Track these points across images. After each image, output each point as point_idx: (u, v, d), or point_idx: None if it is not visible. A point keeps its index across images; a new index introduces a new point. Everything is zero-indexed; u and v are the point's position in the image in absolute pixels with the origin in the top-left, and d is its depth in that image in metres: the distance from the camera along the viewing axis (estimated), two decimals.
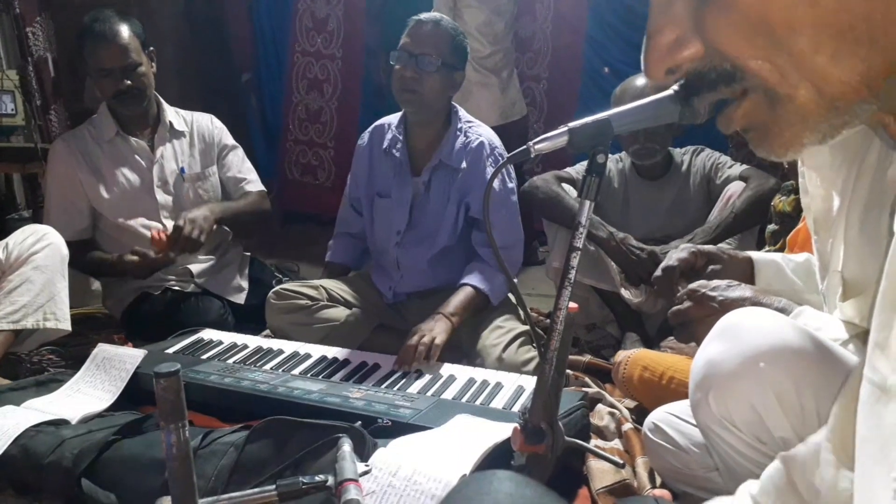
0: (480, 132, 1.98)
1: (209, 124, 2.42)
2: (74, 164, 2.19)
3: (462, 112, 2.02)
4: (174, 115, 2.34)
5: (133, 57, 2.11)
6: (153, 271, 2.17)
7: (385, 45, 1.88)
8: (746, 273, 1.11)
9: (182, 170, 2.31)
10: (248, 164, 2.50)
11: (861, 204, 0.77)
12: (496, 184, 1.94)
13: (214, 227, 2.17)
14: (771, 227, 1.82)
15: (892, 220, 0.52)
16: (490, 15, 3.20)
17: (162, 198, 2.27)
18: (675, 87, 0.88)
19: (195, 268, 2.30)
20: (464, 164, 1.94)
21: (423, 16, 1.90)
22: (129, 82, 2.11)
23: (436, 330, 1.74)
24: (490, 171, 1.93)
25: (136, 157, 2.26)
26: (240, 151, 2.48)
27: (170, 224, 2.24)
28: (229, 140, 2.45)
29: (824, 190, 0.84)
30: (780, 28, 0.42)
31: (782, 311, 0.97)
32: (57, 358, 1.95)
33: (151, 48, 2.22)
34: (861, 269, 0.79)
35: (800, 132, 0.46)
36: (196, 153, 2.36)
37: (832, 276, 0.81)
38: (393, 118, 2.06)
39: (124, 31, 2.11)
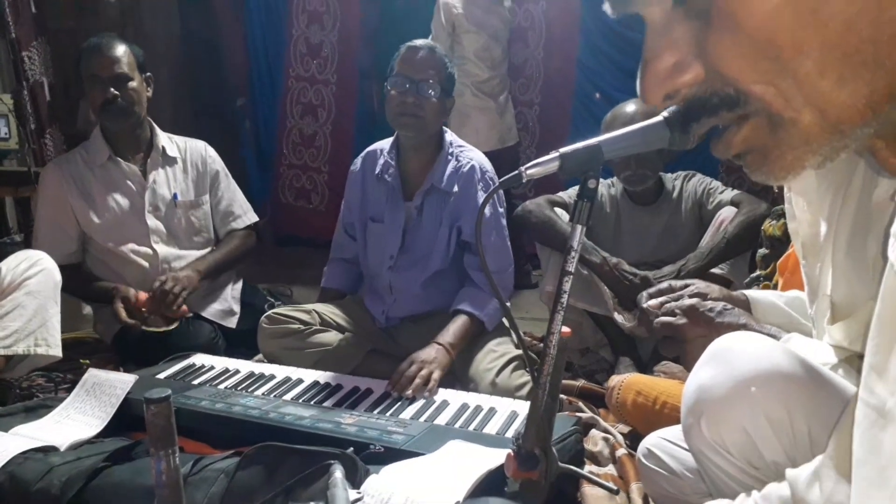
0: (472, 156, 2.00)
1: (203, 152, 2.42)
2: (65, 188, 2.20)
3: (453, 136, 2.04)
4: (167, 141, 2.35)
5: (124, 69, 2.15)
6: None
7: (378, 71, 1.91)
8: (743, 310, 1.11)
9: (175, 196, 2.31)
10: (240, 196, 2.51)
11: (847, 228, 0.78)
12: (487, 209, 1.95)
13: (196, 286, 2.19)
14: (762, 251, 1.84)
15: (885, 244, 0.52)
16: (488, 40, 3.25)
17: (153, 223, 2.27)
18: (666, 113, 0.90)
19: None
20: (455, 188, 1.95)
21: (417, 43, 1.92)
22: (116, 92, 2.13)
23: (434, 363, 1.73)
24: (481, 194, 1.94)
25: (128, 181, 2.26)
26: (231, 182, 2.49)
27: (159, 248, 2.25)
28: (222, 169, 2.46)
29: (811, 215, 0.85)
30: (787, 51, 0.42)
31: (772, 336, 0.97)
32: (46, 383, 1.93)
33: (149, 74, 2.25)
34: (849, 293, 0.79)
35: (802, 155, 0.45)
36: (189, 181, 2.37)
37: (821, 300, 0.82)
38: (385, 143, 2.07)
39: (120, 45, 2.17)
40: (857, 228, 0.77)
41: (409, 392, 1.64)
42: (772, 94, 0.43)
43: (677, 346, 1.05)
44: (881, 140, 0.47)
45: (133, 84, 2.17)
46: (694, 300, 1.04)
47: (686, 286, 1.14)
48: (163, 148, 2.32)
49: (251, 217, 2.53)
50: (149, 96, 2.25)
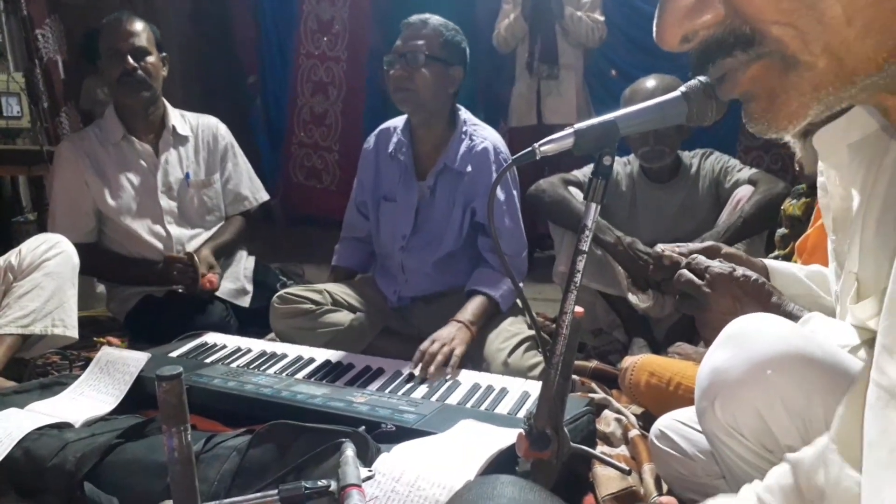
0: (486, 135, 1.97)
1: (214, 128, 2.42)
2: (81, 165, 2.20)
3: (468, 115, 2.01)
4: (179, 119, 2.34)
5: (143, 43, 2.15)
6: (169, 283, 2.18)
7: (389, 49, 1.89)
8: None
9: (187, 175, 2.31)
10: (250, 175, 2.51)
11: (878, 204, 0.75)
12: (500, 192, 1.93)
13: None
14: (780, 230, 1.81)
15: None
16: None
17: (166, 203, 2.27)
18: (684, 87, 0.88)
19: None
20: (469, 168, 1.93)
21: (412, 18, 1.90)
22: (134, 64, 2.13)
23: (456, 340, 1.72)
24: (495, 175, 1.92)
25: (141, 161, 2.26)
26: (241, 159, 2.49)
27: (173, 230, 2.25)
28: (232, 146, 2.46)
29: (843, 189, 0.82)
30: None
31: (792, 314, 0.95)
32: (61, 360, 1.95)
33: (165, 54, 2.25)
34: (876, 271, 0.77)
35: (808, 102, 0.43)
36: (201, 160, 2.37)
37: (847, 277, 0.80)
38: (398, 121, 2.05)
39: (139, 21, 2.17)
40: (888, 205, 0.75)
41: (432, 369, 1.62)
42: (790, 36, 0.41)
43: (696, 305, 1.02)
44: (893, 97, 0.45)
45: (151, 59, 2.17)
46: (727, 267, 1.01)
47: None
48: (173, 127, 2.31)
49: (260, 197, 2.53)
50: (164, 76, 2.24)
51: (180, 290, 2.20)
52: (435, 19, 1.89)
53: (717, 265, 1.01)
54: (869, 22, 0.40)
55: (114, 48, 2.13)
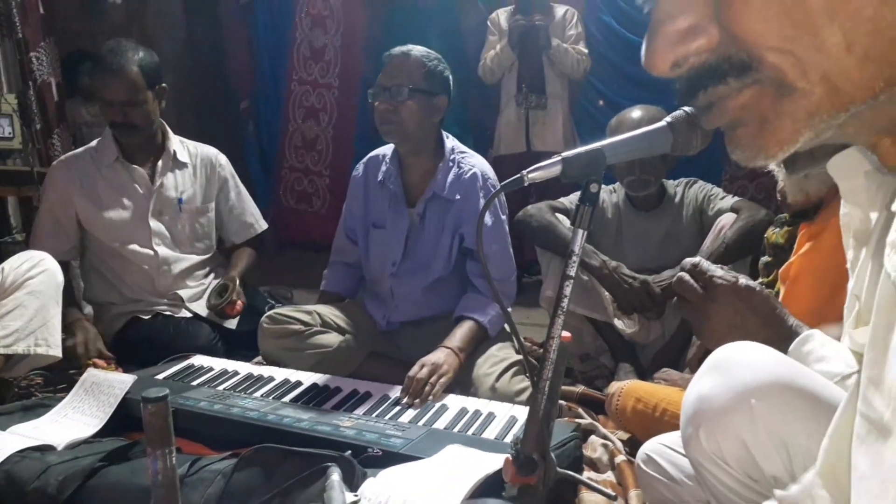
0: (473, 163, 1.99)
1: (213, 159, 2.44)
2: (71, 185, 2.21)
3: (455, 142, 2.03)
4: (179, 146, 2.36)
5: (134, 94, 2.13)
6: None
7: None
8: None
9: (181, 200, 2.32)
10: (251, 203, 2.54)
11: (879, 229, 0.75)
12: (488, 217, 1.94)
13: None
14: (764, 258, 1.83)
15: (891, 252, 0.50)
16: None
17: (156, 225, 2.27)
18: (670, 118, 0.90)
19: (185, 293, 2.30)
20: (458, 196, 1.95)
21: (394, 50, 1.91)
22: (126, 117, 2.14)
23: (444, 367, 1.73)
24: (483, 201, 1.94)
25: (135, 184, 2.27)
26: (242, 190, 2.52)
27: (160, 250, 2.26)
28: (231, 177, 2.48)
29: (862, 213, 0.82)
30: (819, 16, 0.39)
31: (793, 330, 0.95)
32: (45, 382, 1.93)
33: (163, 84, 2.23)
34: (872, 299, 0.77)
35: (801, 129, 0.42)
36: (197, 186, 2.38)
37: (850, 299, 0.80)
38: (387, 149, 2.07)
39: (132, 66, 2.13)
40: (882, 233, 0.74)
41: (418, 401, 1.62)
42: (789, 63, 0.41)
43: (695, 311, 0.99)
44: (885, 136, 0.45)
45: (144, 106, 2.17)
46: (730, 277, 0.97)
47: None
48: (174, 152, 2.33)
49: (262, 224, 2.56)
50: (162, 108, 2.25)
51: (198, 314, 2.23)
52: (417, 51, 1.90)
53: (721, 273, 0.98)
54: (868, 50, 0.39)
55: (104, 99, 2.14)
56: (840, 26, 0.39)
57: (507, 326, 2.01)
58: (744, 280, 0.98)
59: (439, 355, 1.76)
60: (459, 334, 1.86)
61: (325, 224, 4.05)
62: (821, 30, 0.39)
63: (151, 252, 2.26)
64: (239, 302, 2.20)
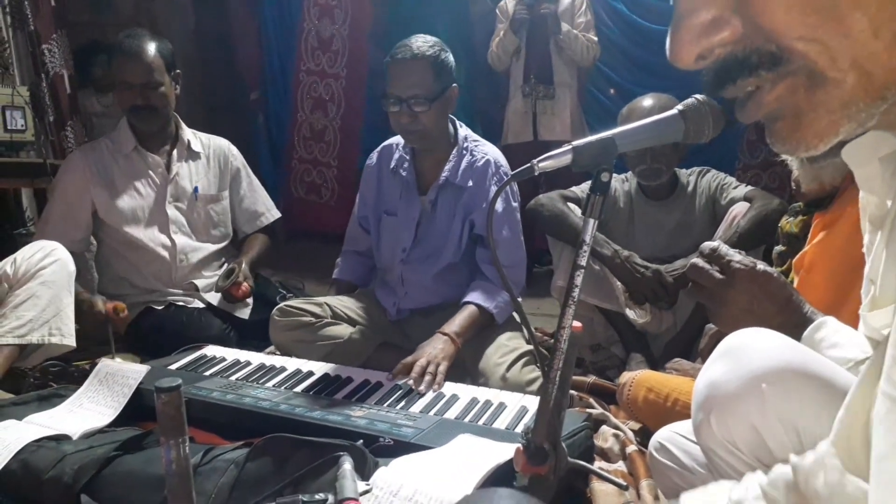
0: (486, 151, 1.99)
1: (226, 149, 2.47)
2: (88, 175, 2.22)
3: (467, 131, 2.03)
4: (192, 136, 2.39)
5: (155, 76, 2.17)
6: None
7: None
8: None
9: (196, 189, 2.34)
10: (262, 193, 2.57)
11: (893, 217, 0.74)
12: (499, 204, 1.94)
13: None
14: (778, 248, 1.82)
15: None
16: None
17: (173, 213, 2.30)
18: (681, 106, 0.89)
19: (201, 283, 2.32)
20: (470, 183, 1.95)
21: (398, 55, 1.84)
22: (146, 100, 2.16)
23: (440, 356, 1.73)
24: (495, 189, 1.94)
25: (151, 172, 2.29)
26: (254, 180, 2.55)
27: (178, 239, 2.27)
28: (243, 167, 2.51)
29: (878, 199, 0.82)
30: (842, 2, 0.39)
31: (808, 317, 0.95)
32: (60, 372, 1.94)
33: (178, 71, 2.26)
34: (890, 283, 0.76)
35: (838, 120, 0.42)
36: (211, 175, 2.41)
37: (867, 283, 0.79)
38: (400, 138, 2.07)
39: (151, 49, 2.17)
40: None
41: (423, 388, 1.63)
42: (817, 52, 0.40)
43: (710, 296, 0.99)
44: None
45: (162, 89, 2.20)
46: (749, 262, 0.96)
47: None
48: (188, 142, 2.35)
49: (274, 213, 2.59)
50: (177, 94, 2.27)
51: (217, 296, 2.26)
52: (420, 48, 1.83)
53: (739, 258, 0.97)
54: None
55: (125, 81, 2.16)
56: (864, 12, 0.38)
57: (516, 316, 2.01)
58: (762, 266, 0.97)
59: (435, 344, 1.77)
60: (459, 320, 1.86)
61: (335, 215, 4.06)
62: (846, 17, 0.39)
63: (169, 240, 2.28)
64: (245, 284, 2.23)
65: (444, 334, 1.81)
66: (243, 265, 2.29)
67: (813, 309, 0.96)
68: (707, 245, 1.01)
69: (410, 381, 1.64)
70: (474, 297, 1.91)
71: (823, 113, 0.42)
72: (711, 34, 0.43)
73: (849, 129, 0.42)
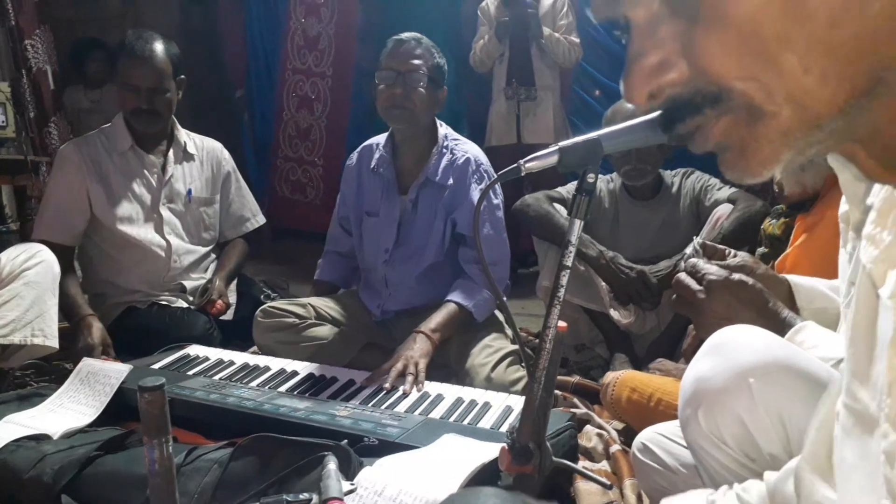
0: (466, 149, 2.00)
1: (218, 153, 2.45)
2: (84, 170, 2.18)
3: (448, 130, 2.04)
4: (187, 138, 2.37)
5: (163, 82, 2.15)
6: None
7: (376, 67, 1.92)
8: (783, 294, 1.09)
9: (189, 192, 2.33)
10: (250, 198, 2.55)
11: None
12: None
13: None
14: (760, 249, 1.84)
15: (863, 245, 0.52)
16: None
17: (167, 214, 2.28)
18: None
19: (189, 284, 2.30)
20: (450, 181, 1.95)
21: (404, 35, 1.92)
22: (151, 104, 2.14)
23: (416, 355, 1.73)
24: (476, 187, 1.95)
25: (147, 172, 2.26)
26: (242, 184, 2.53)
27: (172, 240, 2.26)
28: (233, 171, 2.50)
29: (858, 201, 0.83)
30: (773, 44, 0.42)
31: (787, 322, 0.96)
32: (41, 372, 1.92)
33: (182, 76, 2.24)
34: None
35: (779, 149, 0.45)
36: (204, 179, 2.39)
37: (846, 287, 0.81)
38: (380, 138, 2.07)
39: (162, 54, 2.15)
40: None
41: (406, 387, 1.63)
42: (754, 89, 0.44)
43: (691, 307, 1.02)
44: (859, 145, 0.48)
45: (168, 95, 2.18)
46: (723, 273, 1.00)
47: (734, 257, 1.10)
48: (184, 143, 2.33)
49: (259, 219, 2.57)
50: (179, 98, 2.25)
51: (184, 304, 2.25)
52: (426, 40, 1.93)
53: (713, 270, 1.01)
54: (824, 70, 0.42)
55: (132, 85, 2.13)
56: (794, 52, 0.42)
57: (500, 316, 2.02)
58: (737, 276, 1.00)
59: (410, 344, 1.77)
60: (436, 317, 1.86)
61: (320, 214, 4.04)
62: (777, 57, 0.42)
63: (163, 241, 2.25)
64: (219, 302, 2.23)
65: (420, 332, 1.81)
66: (217, 282, 2.28)
67: (792, 314, 0.98)
68: (691, 262, 1.05)
69: (387, 386, 1.64)
70: (454, 295, 1.92)
71: (765, 143, 0.45)
72: (660, 75, 0.47)
73: (789, 156, 0.45)
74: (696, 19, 0.44)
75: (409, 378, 1.65)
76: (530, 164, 0.93)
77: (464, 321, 1.91)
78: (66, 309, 2.08)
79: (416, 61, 1.87)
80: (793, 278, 1.10)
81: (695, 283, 1.01)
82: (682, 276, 1.03)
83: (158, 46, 2.15)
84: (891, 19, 0.40)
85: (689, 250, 1.13)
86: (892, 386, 0.48)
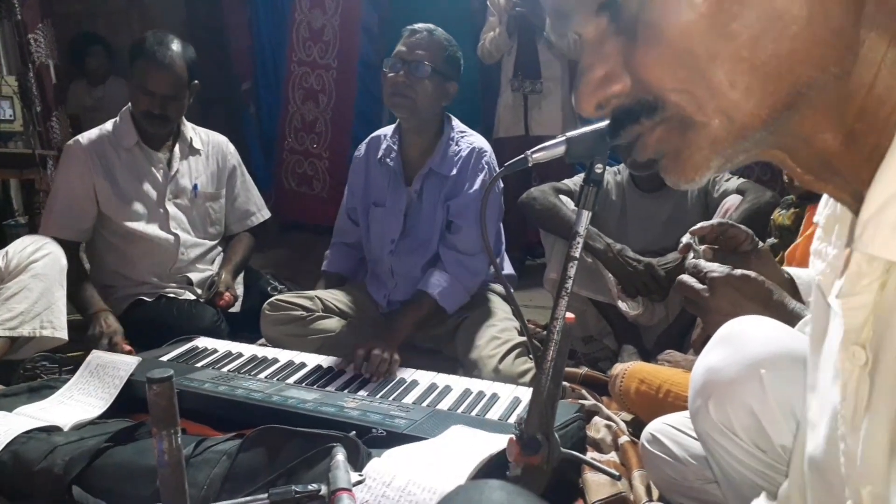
0: (471, 140, 2.00)
1: (224, 147, 2.45)
2: (91, 166, 2.19)
3: (456, 122, 2.03)
4: (192, 133, 2.36)
5: (178, 89, 2.15)
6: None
7: (381, 60, 1.93)
8: (787, 290, 1.08)
9: (196, 187, 2.33)
10: (255, 193, 2.55)
11: None
12: (480, 191, 1.93)
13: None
14: (770, 240, 1.83)
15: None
16: None
17: (173, 210, 2.28)
18: None
19: (196, 276, 2.30)
20: (453, 172, 1.95)
21: (418, 26, 1.92)
22: (164, 110, 2.14)
23: (383, 345, 1.74)
24: (478, 177, 1.95)
25: (153, 168, 2.26)
26: (248, 178, 2.53)
27: (179, 233, 2.26)
28: (239, 165, 2.50)
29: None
30: (702, 60, 0.46)
31: (794, 313, 0.95)
32: (50, 364, 1.93)
33: (196, 81, 2.23)
34: None
35: (709, 156, 0.49)
36: (210, 174, 2.39)
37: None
38: (389, 129, 2.08)
39: (180, 61, 2.14)
40: None
41: (376, 377, 1.68)
42: (686, 101, 0.48)
43: (699, 307, 1.02)
44: (785, 153, 0.51)
45: (182, 101, 2.18)
46: (725, 269, 1.00)
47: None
48: (190, 139, 2.33)
49: (264, 213, 2.57)
50: (189, 102, 2.25)
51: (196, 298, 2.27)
52: (439, 32, 1.92)
53: (716, 268, 1.01)
54: (748, 85, 0.46)
55: (148, 89, 2.11)
56: (721, 67, 0.46)
57: (506, 306, 2.01)
58: (739, 271, 0.99)
59: (379, 334, 1.80)
60: (405, 309, 1.91)
61: (326, 207, 4.03)
62: (706, 71, 0.46)
63: (170, 236, 2.26)
64: (227, 294, 2.24)
65: (390, 323, 1.85)
66: (223, 276, 2.29)
67: (799, 305, 0.98)
68: (690, 262, 1.05)
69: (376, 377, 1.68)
70: (424, 285, 1.93)
71: (696, 150, 0.49)
72: (606, 87, 0.51)
73: (718, 163, 0.49)
74: (637, 36, 0.48)
75: (382, 369, 1.69)
76: (537, 154, 0.92)
77: (432, 311, 1.93)
78: (81, 305, 2.10)
79: (422, 52, 1.87)
80: (795, 272, 1.10)
81: (697, 283, 1.01)
82: (685, 277, 1.04)
83: (178, 53, 2.13)
84: (806, 41, 0.44)
85: (684, 240, 1.13)
86: (845, 387, 0.51)
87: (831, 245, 0.57)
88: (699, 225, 1.14)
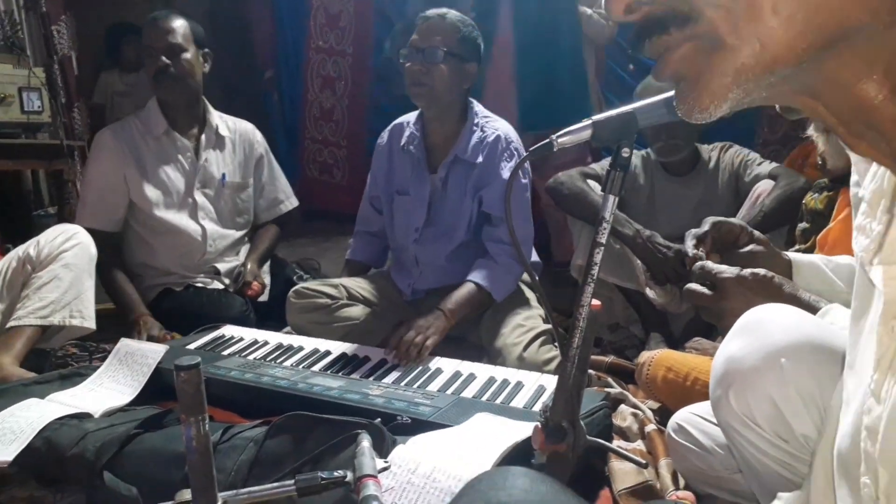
0: (497, 126, 1.97)
1: (251, 135, 2.46)
2: (122, 156, 2.21)
3: (479, 107, 2.01)
4: (219, 120, 2.38)
5: (178, 40, 2.17)
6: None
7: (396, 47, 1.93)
8: (785, 273, 1.07)
9: (223, 176, 2.35)
10: (283, 180, 2.57)
11: None
12: (507, 178, 1.92)
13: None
14: (802, 224, 1.79)
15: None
16: None
17: (201, 199, 2.30)
18: None
19: (223, 266, 2.32)
20: (480, 159, 1.93)
21: (430, 12, 1.91)
22: (168, 62, 2.15)
23: (431, 329, 1.75)
24: (505, 164, 1.93)
25: (181, 157, 2.28)
26: (275, 167, 2.55)
27: (207, 225, 2.28)
28: (266, 153, 2.51)
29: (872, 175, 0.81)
30: None
31: (809, 304, 0.94)
32: (81, 352, 1.97)
33: (207, 50, 2.26)
34: None
35: (729, 84, 0.46)
36: (237, 163, 2.41)
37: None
38: (411, 116, 2.06)
39: (177, 19, 2.19)
40: None
41: (404, 361, 1.67)
42: (722, 17, 0.44)
43: (712, 313, 1.01)
44: (814, 100, 0.48)
45: (187, 55, 2.19)
46: (733, 270, 0.99)
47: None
48: (216, 127, 2.34)
49: (293, 202, 2.59)
50: (205, 72, 2.26)
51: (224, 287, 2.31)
52: (452, 14, 1.90)
53: (725, 269, 1.00)
54: (793, 13, 0.42)
55: (149, 46, 2.16)
56: None
57: (530, 293, 2.00)
58: (748, 270, 0.98)
59: (429, 318, 1.78)
60: (455, 296, 1.86)
61: (346, 195, 4.05)
62: None
63: (199, 227, 2.28)
64: (255, 284, 2.27)
65: (440, 310, 1.83)
66: (249, 265, 2.32)
67: (813, 296, 0.96)
68: (697, 265, 1.04)
69: (404, 360, 1.68)
70: (474, 275, 1.91)
71: (718, 75, 0.46)
72: None
73: (736, 95, 0.46)
74: None
75: (413, 350, 1.68)
76: (563, 139, 0.90)
77: (482, 301, 1.91)
78: (121, 306, 2.14)
79: (436, 37, 1.85)
80: (794, 256, 1.08)
81: (705, 290, 1.01)
82: (692, 285, 1.03)
83: (178, 17, 2.20)
84: None
85: (691, 252, 1.11)
86: (880, 361, 0.50)
87: (876, 220, 0.54)
88: (693, 235, 1.11)
